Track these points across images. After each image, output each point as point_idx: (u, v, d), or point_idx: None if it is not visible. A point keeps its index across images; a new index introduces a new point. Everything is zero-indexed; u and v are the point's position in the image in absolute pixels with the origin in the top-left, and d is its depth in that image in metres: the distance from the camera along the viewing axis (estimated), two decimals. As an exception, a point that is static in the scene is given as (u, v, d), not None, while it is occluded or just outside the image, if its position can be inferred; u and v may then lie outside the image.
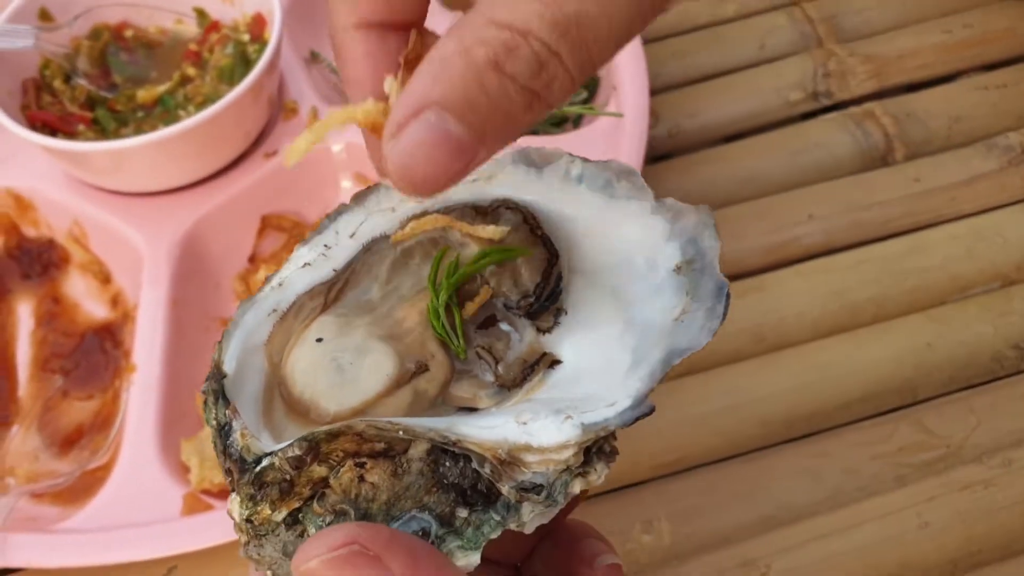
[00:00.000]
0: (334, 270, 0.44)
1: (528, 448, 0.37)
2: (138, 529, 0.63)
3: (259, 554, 0.39)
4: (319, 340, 0.42)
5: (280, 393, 0.41)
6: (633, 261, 0.43)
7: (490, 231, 0.43)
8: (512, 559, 0.40)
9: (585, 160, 0.45)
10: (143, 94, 0.79)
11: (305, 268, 0.44)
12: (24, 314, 0.78)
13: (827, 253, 0.78)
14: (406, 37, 0.36)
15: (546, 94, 0.32)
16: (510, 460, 0.37)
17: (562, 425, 0.37)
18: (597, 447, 0.38)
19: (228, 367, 0.41)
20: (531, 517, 0.38)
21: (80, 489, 0.69)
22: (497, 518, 0.38)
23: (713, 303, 0.40)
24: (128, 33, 0.84)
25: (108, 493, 0.67)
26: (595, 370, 0.41)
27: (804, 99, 0.87)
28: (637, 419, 0.37)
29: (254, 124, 0.79)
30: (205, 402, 0.41)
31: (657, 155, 0.85)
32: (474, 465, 0.37)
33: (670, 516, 0.68)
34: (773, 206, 0.81)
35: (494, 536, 0.38)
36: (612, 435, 0.38)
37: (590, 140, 0.78)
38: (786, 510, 0.67)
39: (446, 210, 0.45)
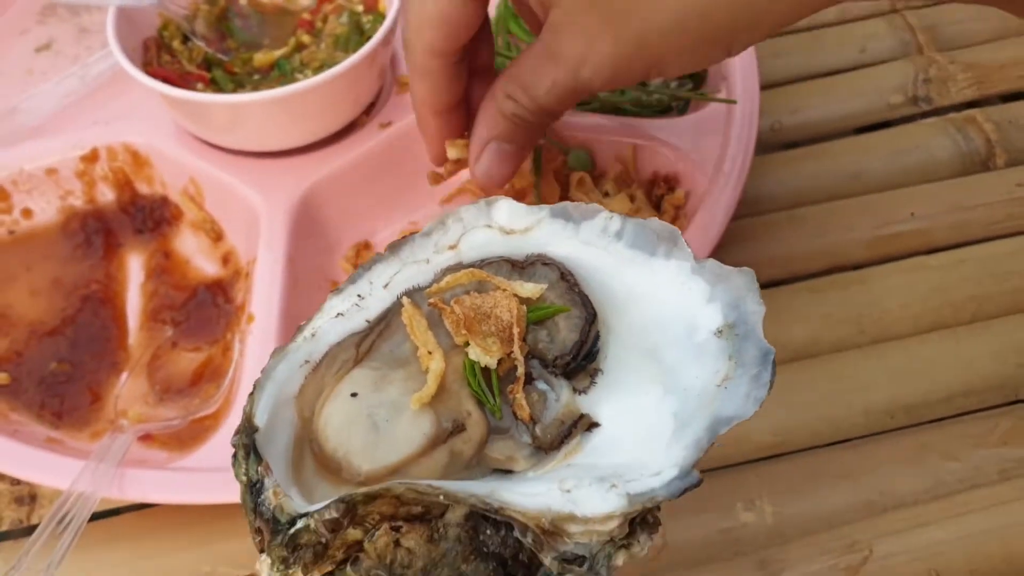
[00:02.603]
0: (367, 321, 0.44)
1: (572, 518, 0.36)
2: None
3: None
4: (354, 395, 0.41)
5: (311, 449, 0.40)
6: (672, 323, 0.42)
7: (528, 289, 0.42)
8: None
9: (624, 217, 0.45)
10: (260, 57, 0.81)
11: (338, 318, 0.44)
12: (135, 267, 0.79)
13: (928, 252, 0.79)
14: (457, 112, 0.62)
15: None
16: (553, 530, 0.36)
17: (607, 495, 0.36)
18: (641, 518, 0.37)
19: (259, 420, 0.40)
20: None
21: (187, 436, 0.70)
22: None
23: (759, 370, 0.39)
24: (242, 0, 0.86)
25: (221, 437, 0.68)
26: (636, 435, 0.40)
27: (904, 103, 0.88)
28: (685, 491, 0.36)
29: (367, 92, 0.80)
30: (235, 456, 0.40)
31: (759, 148, 0.85)
32: (516, 534, 0.36)
33: (772, 496, 0.68)
34: (876, 203, 0.82)
35: None
36: (657, 507, 0.37)
37: (699, 125, 0.79)
38: (888, 496, 0.68)
39: (481, 264, 0.44)
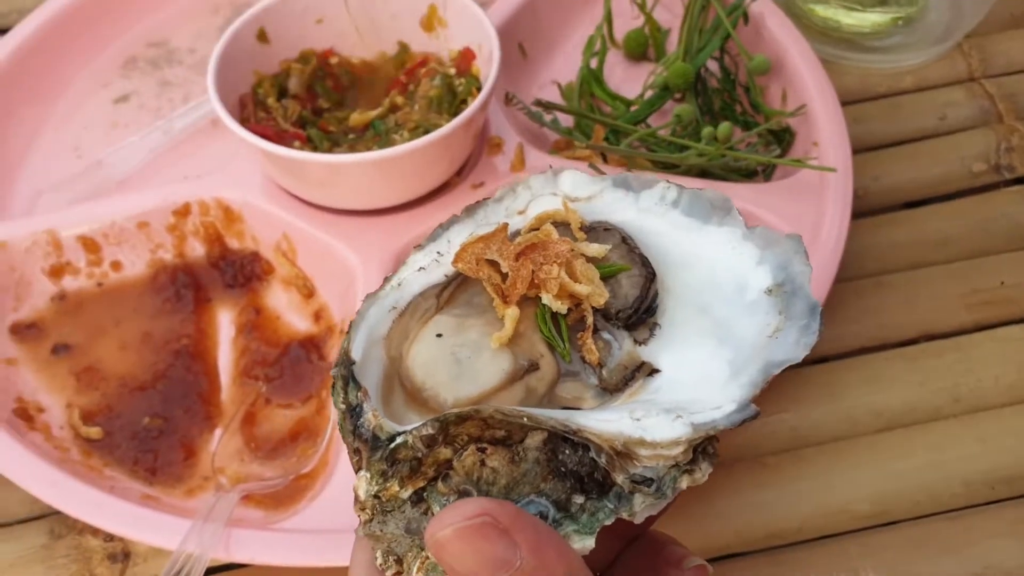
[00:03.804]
0: (445, 275, 0.47)
1: (642, 442, 0.39)
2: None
3: (381, 530, 0.41)
4: (439, 336, 0.45)
5: (401, 383, 0.44)
6: (724, 283, 0.46)
7: (594, 249, 0.45)
8: (594, 566, 0.42)
9: (681, 187, 0.49)
10: (356, 117, 0.81)
11: (420, 272, 0.48)
12: (225, 322, 0.79)
13: (1020, 321, 0.79)
14: None
15: None
16: (625, 452, 0.39)
17: (674, 423, 0.40)
18: (703, 448, 0.41)
19: (356, 355, 0.43)
20: (642, 508, 0.40)
21: (284, 495, 0.70)
22: (611, 506, 0.40)
23: (808, 320, 0.42)
24: (333, 60, 0.87)
25: (321, 497, 0.67)
26: (693, 379, 0.43)
27: (987, 171, 0.88)
28: (744, 421, 0.40)
29: (461, 154, 0.80)
30: (333, 385, 0.43)
31: (844, 214, 0.86)
32: (591, 454, 0.40)
33: (877, 568, 0.67)
34: (964, 271, 0.82)
35: (608, 523, 0.40)
36: (715, 438, 0.41)
37: (792, 190, 0.79)
38: (994, 570, 0.67)
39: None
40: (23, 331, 0.79)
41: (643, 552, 0.47)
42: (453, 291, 0.47)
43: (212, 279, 0.81)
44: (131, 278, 0.81)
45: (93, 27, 0.98)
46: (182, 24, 1.00)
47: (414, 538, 0.41)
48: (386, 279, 0.47)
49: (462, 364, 0.43)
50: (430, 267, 0.48)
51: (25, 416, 0.74)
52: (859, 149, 0.90)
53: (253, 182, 0.82)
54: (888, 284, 0.82)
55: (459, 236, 0.48)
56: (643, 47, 0.95)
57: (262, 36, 0.85)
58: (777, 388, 0.72)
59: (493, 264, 0.45)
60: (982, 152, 0.89)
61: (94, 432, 0.73)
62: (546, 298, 0.44)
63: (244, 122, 0.80)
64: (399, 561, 0.41)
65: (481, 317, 0.45)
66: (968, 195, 0.88)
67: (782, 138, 0.85)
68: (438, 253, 0.48)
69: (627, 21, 0.95)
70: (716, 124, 0.85)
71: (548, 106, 0.85)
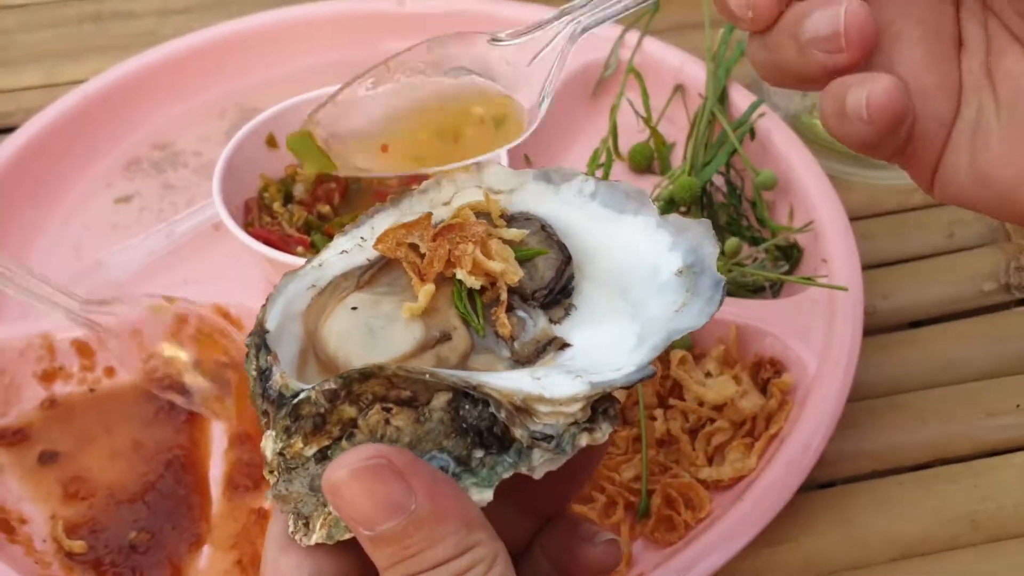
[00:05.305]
0: (367, 259, 0.49)
1: (541, 399, 0.41)
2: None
3: (287, 490, 0.42)
4: (354, 308, 0.47)
5: (315, 354, 0.46)
6: (638, 267, 0.49)
7: (513, 233, 0.49)
8: (511, 546, 0.42)
9: (598, 179, 0.52)
10: (360, 224, 0.81)
11: (342, 255, 0.50)
12: (218, 433, 0.77)
13: (1038, 446, 0.77)
14: None
15: None
16: (524, 408, 0.41)
17: (572, 382, 0.42)
18: (603, 409, 0.43)
19: (270, 325, 0.46)
20: (540, 462, 0.41)
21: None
22: (510, 460, 0.41)
23: (711, 294, 0.45)
24: (339, 166, 0.86)
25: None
26: (600, 350, 0.45)
27: (997, 290, 0.87)
28: (640, 380, 0.42)
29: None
30: (247, 355, 0.45)
31: (853, 332, 0.85)
32: (491, 409, 0.41)
33: None
34: (977, 393, 0.80)
35: (506, 476, 0.41)
36: (616, 401, 0.43)
37: (802, 308, 0.78)
38: None
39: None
40: (10, 437, 0.76)
41: (558, 531, 0.49)
42: (374, 273, 0.49)
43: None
44: (123, 385, 0.79)
45: (98, 128, 0.97)
46: (188, 127, 1.00)
47: (319, 495, 0.42)
48: (307, 260, 0.50)
49: (375, 334, 0.45)
50: (352, 251, 0.50)
51: (7, 528, 0.71)
52: (867, 266, 0.89)
53: (252, 288, 0.80)
54: (899, 405, 0.80)
55: (383, 224, 0.50)
56: (648, 160, 0.95)
57: (271, 141, 0.84)
58: (787, 514, 0.69)
59: (413, 247, 0.48)
60: (991, 271, 0.88)
61: (78, 546, 0.70)
62: (460, 273, 0.46)
63: (248, 226, 0.80)
64: (307, 524, 0.42)
65: (399, 296, 0.47)
66: (978, 314, 0.86)
67: (790, 254, 0.84)
68: (361, 238, 0.50)
69: (632, 134, 0.95)
70: (723, 239, 0.84)
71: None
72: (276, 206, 0.82)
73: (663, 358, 0.76)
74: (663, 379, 0.75)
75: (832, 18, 0.41)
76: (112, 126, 0.98)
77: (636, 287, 0.48)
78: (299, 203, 0.83)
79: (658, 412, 0.74)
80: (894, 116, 0.41)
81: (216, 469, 0.75)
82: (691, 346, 0.77)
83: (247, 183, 0.83)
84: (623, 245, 0.50)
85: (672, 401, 0.74)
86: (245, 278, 0.82)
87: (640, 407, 0.73)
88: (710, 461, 0.73)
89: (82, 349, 0.79)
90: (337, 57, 1.01)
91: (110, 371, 0.80)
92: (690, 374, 0.75)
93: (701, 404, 0.73)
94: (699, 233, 0.48)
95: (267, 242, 0.76)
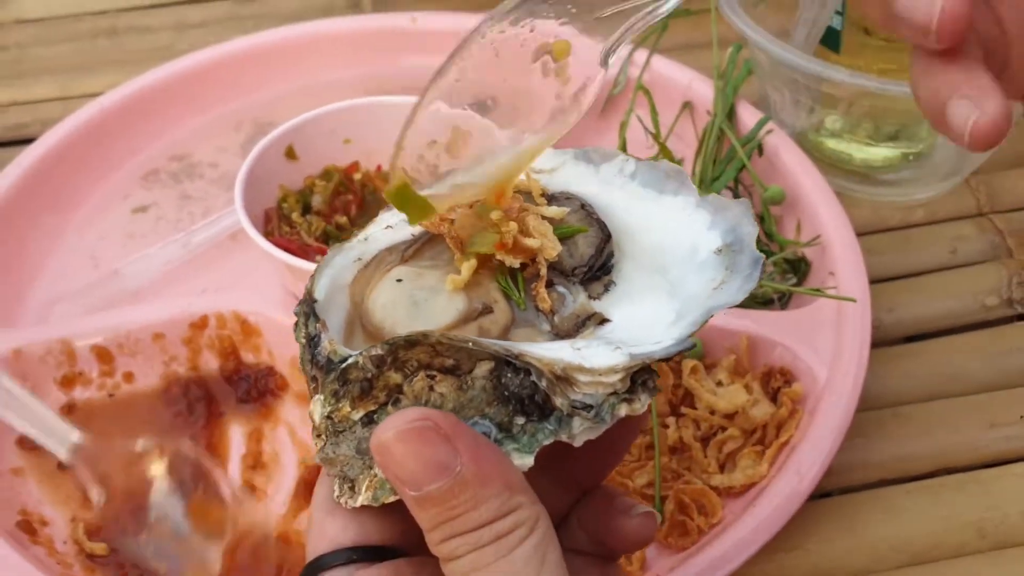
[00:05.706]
0: (412, 234, 0.50)
1: (581, 369, 0.42)
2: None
3: (334, 453, 0.43)
4: (399, 280, 0.47)
5: (362, 326, 0.47)
6: (677, 247, 0.49)
7: (553, 211, 0.49)
8: (551, 516, 0.43)
9: (638, 159, 0.52)
10: (378, 234, 0.82)
11: (387, 230, 0.51)
12: (236, 437, 0.78)
13: (1041, 457, 0.79)
14: None
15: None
16: (564, 377, 0.42)
17: (612, 353, 0.42)
18: (642, 380, 0.43)
19: (319, 295, 0.47)
20: (580, 430, 0.42)
21: (292, 620, 0.67)
22: (551, 427, 0.42)
23: (750, 271, 0.46)
24: (356, 176, 0.88)
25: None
26: (640, 325, 0.46)
27: (1000, 305, 0.89)
28: (680, 352, 0.42)
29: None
30: (296, 324, 0.46)
31: (860, 344, 0.86)
32: (532, 378, 0.42)
33: None
34: (981, 405, 0.82)
35: (547, 443, 0.42)
36: (655, 373, 0.44)
37: (812, 319, 0.79)
38: None
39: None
40: (31, 442, 0.77)
41: (595, 503, 0.50)
42: (418, 248, 0.49)
43: (225, 393, 0.80)
44: (143, 390, 0.81)
45: (116, 140, 0.99)
46: (205, 139, 1.02)
47: (365, 458, 0.43)
48: (353, 233, 0.51)
49: (419, 305, 0.46)
50: (397, 226, 0.50)
51: (28, 529, 0.72)
52: (872, 280, 0.90)
53: (272, 296, 0.82)
54: (905, 416, 0.81)
55: None
56: (658, 175, 0.96)
57: (290, 152, 0.86)
58: (796, 521, 0.70)
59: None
60: (994, 286, 0.90)
61: (99, 548, 0.71)
62: (499, 252, 0.47)
63: (268, 235, 0.81)
64: (352, 487, 0.43)
65: (442, 269, 0.48)
66: (981, 328, 0.88)
67: (798, 268, 0.86)
68: None
69: (642, 150, 0.96)
70: (733, 252, 0.85)
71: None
72: (295, 216, 0.83)
73: (675, 367, 0.77)
74: (675, 388, 0.77)
75: (927, 6, 0.40)
76: (129, 137, 1.00)
77: (675, 265, 0.48)
78: (317, 213, 0.85)
79: (670, 420, 0.75)
80: None
81: (234, 473, 0.76)
82: (703, 356, 0.79)
83: (267, 193, 0.84)
84: (663, 224, 0.50)
85: (684, 409, 0.75)
86: (262, 287, 0.83)
87: (653, 415, 0.74)
88: (722, 468, 0.74)
89: (101, 355, 0.80)
90: (351, 72, 1.04)
91: (129, 376, 0.81)
92: (702, 383, 0.76)
93: (712, 412, 0.75)
94: (738, 213, 0.48)
95: (287, 251, 0.77)
